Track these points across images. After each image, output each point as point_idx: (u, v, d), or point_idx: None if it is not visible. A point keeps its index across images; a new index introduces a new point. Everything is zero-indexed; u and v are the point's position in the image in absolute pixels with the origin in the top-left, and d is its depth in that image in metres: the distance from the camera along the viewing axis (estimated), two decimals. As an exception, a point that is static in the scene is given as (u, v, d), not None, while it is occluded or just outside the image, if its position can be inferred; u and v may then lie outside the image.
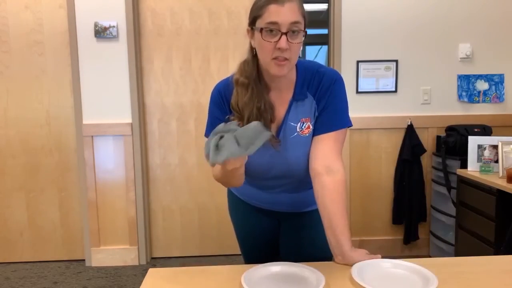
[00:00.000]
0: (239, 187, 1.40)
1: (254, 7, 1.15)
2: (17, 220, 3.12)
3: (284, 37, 1.09)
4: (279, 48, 1.10)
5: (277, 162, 1.26)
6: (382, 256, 1.19)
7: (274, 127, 1.23)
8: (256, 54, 1.19)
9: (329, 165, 1.20)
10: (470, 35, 3.06)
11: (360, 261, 1.15)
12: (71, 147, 3.07)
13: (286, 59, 1.12)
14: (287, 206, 1.40)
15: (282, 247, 1.46)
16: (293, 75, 1.24)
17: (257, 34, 1.13)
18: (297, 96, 1.22)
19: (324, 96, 1.23)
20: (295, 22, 1.10)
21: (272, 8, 1.09)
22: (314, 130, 1.24)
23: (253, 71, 1.20)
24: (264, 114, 1.18)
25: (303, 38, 1.14)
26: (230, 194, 1.54)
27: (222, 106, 1.25)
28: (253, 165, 1.25)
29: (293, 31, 1.10)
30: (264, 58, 1.15)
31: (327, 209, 1.19)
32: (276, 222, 1.47)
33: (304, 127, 1.23)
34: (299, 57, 1.23)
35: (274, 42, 1.10)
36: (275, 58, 1.12)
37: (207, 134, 1.30)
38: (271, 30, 1.10)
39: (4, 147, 3.06)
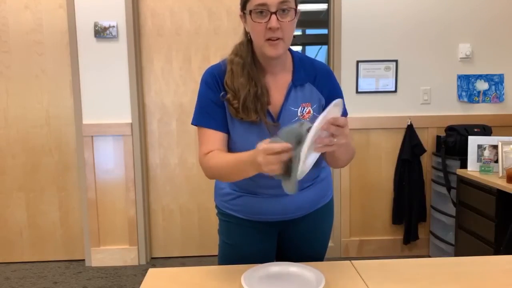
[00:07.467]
0: (233, 202, 1.36)
1: None
2: (17, 220, 3.12)
3: (273, 16, 1.10)
4: (270, 28, 1.11)
5: None
6: (382, 256, 1.19)
7: (272, 111, 1.22)
8: (250, 38, 1.20)
9: None
10: (470, 35, 3.06)
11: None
12: (71, 147, 3.07)
13: (279, 38, 1.12)
14: (288, 209, 1.31)
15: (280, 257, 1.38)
16: (288, 59, 1.25)
17: (248, 17, 1.14)
18: (297, 81, 1.23)
19: (325, 84, 1.25)
20: (284, 1, 1.10)
21: None
22: None
23: (248, 54, 1.22)
24: (261, 98, 1.19)
25: (296, 17, 1.14)
26: (221, 214, 1.46)
27: (215, 88, 1.23)
28: None
29: (283, 10, 1.11)
30: (258, 40, 1.16)
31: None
32: (274, 236, 1.39)
33: (305, 111, 1.23)
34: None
35: (265, 22, 1.11)
36: (268, 39, 1.13)
37: (194, 122, 1.29)
38: (260, 12, 1.11)
39: (4, 147, 3.06)
